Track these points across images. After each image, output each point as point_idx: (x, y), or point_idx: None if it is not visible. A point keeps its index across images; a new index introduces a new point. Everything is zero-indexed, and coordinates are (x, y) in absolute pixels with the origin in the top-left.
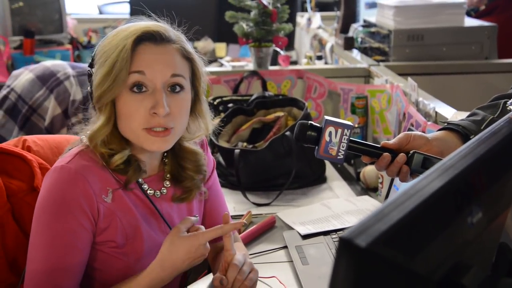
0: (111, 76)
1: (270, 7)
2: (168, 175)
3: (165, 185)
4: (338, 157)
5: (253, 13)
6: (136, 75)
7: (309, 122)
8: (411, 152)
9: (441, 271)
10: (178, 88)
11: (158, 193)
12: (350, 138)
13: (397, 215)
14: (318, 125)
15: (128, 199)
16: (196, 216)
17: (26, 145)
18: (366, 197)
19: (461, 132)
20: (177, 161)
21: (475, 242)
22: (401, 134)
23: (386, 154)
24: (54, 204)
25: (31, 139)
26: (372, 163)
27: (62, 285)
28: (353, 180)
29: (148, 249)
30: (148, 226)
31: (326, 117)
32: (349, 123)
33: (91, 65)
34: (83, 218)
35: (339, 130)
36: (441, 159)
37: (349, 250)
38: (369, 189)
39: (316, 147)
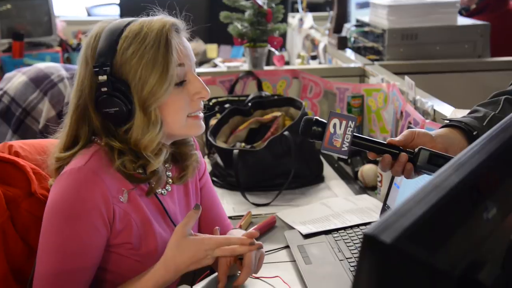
0: (168, 77)
1: (265, 7)
2: (168, 165)
3: (168, 177)
4: (343, 149)
5: (247, 13)
6: (179, 68)
7: (315, 117)
8: (417, 148)
9: (460, 266)
10: (196, 73)
11: (164, 191)
12: (356, 134)
13: (419, 211)
14: (323, 120)
15: (140, 199)
16: (198, 206)
17: (13, 151)
18: (365, 196)
19: (464, 129)
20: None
21: (491, 238)
22: (406, 131)
23: (386, 155)
24: (69, 206)
25: (17, 144)
26: (373, 162)
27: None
28: (350, 179)
29: (161, 249)
30: (158, 225)
31: (331, 111)
32: (353, 116)
33: (107, 72)
34: (98, 221)
35: (344, 122)
36: (446, 155)
37: (374, 247)
38: (368, 188)
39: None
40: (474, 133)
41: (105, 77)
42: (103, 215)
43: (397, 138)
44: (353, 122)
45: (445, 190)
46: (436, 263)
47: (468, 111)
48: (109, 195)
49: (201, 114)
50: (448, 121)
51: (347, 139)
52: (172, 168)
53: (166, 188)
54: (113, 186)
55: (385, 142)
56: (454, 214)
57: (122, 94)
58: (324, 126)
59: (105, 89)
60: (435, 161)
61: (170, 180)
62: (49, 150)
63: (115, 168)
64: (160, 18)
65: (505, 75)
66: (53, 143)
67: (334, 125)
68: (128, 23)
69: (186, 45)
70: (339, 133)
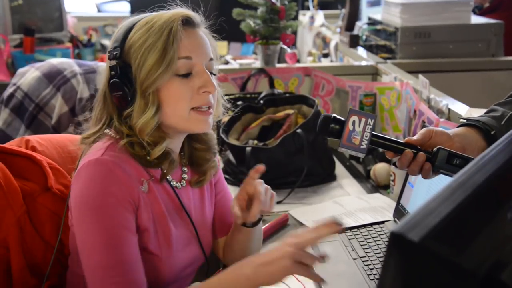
0: (164, 63)
1: (278, 4)
2: (185, 161)
3: (183, 172)
4: (361, 147)
5: (260, 10)
6: (184, 60)
7: (333, 115)
8: (435, 148)
9: (484, 266)
10: (213, 70)
11: (179, 184)
12: (375, 133)
13: (445, 210)
14: (341, 118)
15: (157, 191)
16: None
17: (30, 146)
18: (377, 195)
19: (482, 128)
20: (190, 144)
21: None
22: (423, 130)
23: (408, 151)
24: (97, 197)
25: (34, 139)
26: (385, 160)
27: (131, 273)
28: (362, 178)
29: (175, 243)
30: (172, 218)
31: (350, 108)
32: (373, 113)
33: (117, 56)
34: (127, 204)
35: (363, 120)
36: (465, 156)
37: (402, 245)
38: (380, 187)
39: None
40: (492, 132)
41: (114, 61)
42: (128, 198)
43: (415, 137)
44: (373, 120)
45: (470, 189)
46: (461, 262)
47: (483, 110)
48: (129, 182)
49: (210, 111)
50: (465, 120)
51: (366, 136)
52: (188, 169)
53: (181, 183)
54: (132, 175)
55: (403, 142)
56: (479, 213)
57: (126, 78)
58: (342, 124)
59: (113, 73)
60: (454, 161)
61: (185, 176)
62: (66, 146)
63: (129, 155)
64: (175, 10)
65: None
66: (71, 139)
67: (353, 122)
68: (147, 15)
69: (199, 40)
70: (358, 130)
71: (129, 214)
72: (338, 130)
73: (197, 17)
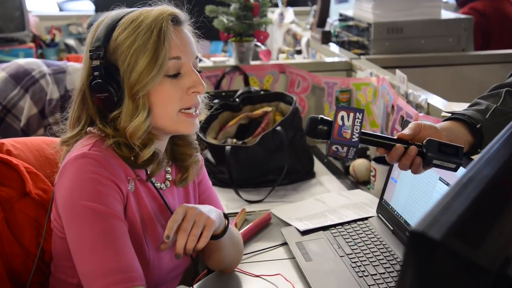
0: (156, 65)
1: (252, 0)
2: (167, 160)
3: (167, 173)
4: (353, 140)
5: (233, 7)
6: (173, 61)
7: (320, 116)
8: (425, 140)
9: (496, 263)
10: (198, 68)
11: (163, 185)
12: (364, 131)
13: (461, 206)
14: (328, 118)
15: (143, 192)
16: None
17: (5, 149)
18: (358, 191)
19: (468, 122)
20: (171, 141)
21: None
22: (412, 124)
23: (399, 145)
24: (87, 189)
25: (9, 142)
26: (364, 156)
27: (129, 264)
28: (341, 174)
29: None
30: (156, 218)
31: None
32: (361, 108)
33: (100, 56)
34: (118, 198)
35: (351, 114)
36: (454, 145)
37: (423, 244)
38: (359, 183)
39: (328, 141)
40: (478, 126)
41: (97, 62)
42: (117, 189)
43: (406, 132)
44: (361, 114)
45: (482, 184)
46: (477, 259)
47: (462, 104)
48: (117, 178)
49: (196, 112)
50: (450, 114)
51: (357, 130)
52: (172, 168)
53: (166, 183)
54: (120, 173)
55: (394, 137)
56: (491, 209)
57: (112, 80)
58: (330, 124)
59: (97, 73)
60: (446, 150)
61: (169, 176)
62: (42, 149)
63: (115, 154)
64: (160, 8)
65: (487, 69)
66: (47, 142)
67: (342, 117)
68: (129, 12)
69: (186, 38)
70: (348, 124)
71: (119, 204)
72: (326, 131)
73: (182, 15)
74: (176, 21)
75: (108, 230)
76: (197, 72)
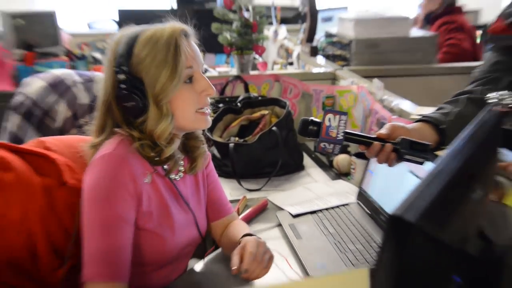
0: (176, 76)
1: (251, 19)
2: (182, 155)
3: (179, 163)
4: (338, 138)
5: (235, 25)
6: (188, 70)
7: (310, 118)
8: (398, 138)
9: (457, 240)
10: (205, 74)
11: (177, 176)
12: (348, 131)
13: (431, 193)
14: (318, 120)
15: (159, 183)
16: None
17: (45, 146)
18: (340, 181)
19: (434, 123)
20: (184, 137)
21: (476, 214)
22: (388, 125)
23: (377, 143)
24: (105, 186)
25: (48, 140)
26: (346, 152)
27: (120, 258)
28: (326, 167)
29: (177, 226)
30: (173, 205)
31: (326, 108)
32: (345, 111)
33: (125, 71)
34: (129, 196)
35: (337, 116)
36: (423, 142)
37: (400, 225)
38: (342, 174)
39: (317, 139)
40: (442, 126)
41: (123, 76)
42: (132, 192)
43: (382, 132)
44: (345, 116)
45: (449, 175)
46: (443, 238)
47: (429, 108)
48: (135, 175)
49: (208, 111)
50: (419, 117)
51: (341, 130)
52: (184, 159)
53: (179, 174)
54: (138, 169)
55: (373, 136)
56: (455, 196)
57: (138, 90)
58: (318, 125)
59: (124, 86)
60: (416, 147)
61: (182, 168)
62: (76, 146)
63: (137, 152)
64: (171, 25)
65: (450, 79)
66: (80, 140)
67: (329, 119)
68: (144, 30)
69: (194, 49)
70: (334, 125)
71: (129, 206)
72: (316, 130)
73: (189, 30)
74: (186, 35)
75: (109, 229)
76: (206, 78)
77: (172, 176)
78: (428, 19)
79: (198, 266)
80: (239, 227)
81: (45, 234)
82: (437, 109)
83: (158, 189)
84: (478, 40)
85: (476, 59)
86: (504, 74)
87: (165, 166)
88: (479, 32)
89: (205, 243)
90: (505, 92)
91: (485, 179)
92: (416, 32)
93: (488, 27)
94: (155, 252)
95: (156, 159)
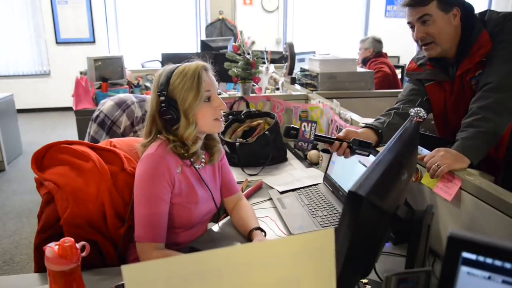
0: (199, 97)
1: (251, 59)
2: (203, 151)
3: (201, 157)
4: (310, 139)
5: (240, 63)
6: (207, 92)
7: (291, 125)
8: (351, 139)
9: (392, 208)
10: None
11: (200, 166)
12: (317, 134)
13: (375, 176)
14: (296, 126)
15: (187, 172)
16: None
17: (113, 144)
18: (312, 169)
19: (374, 129)
20: (205, 138)
21: (404, 190)
22: (344, 130)
23: (337, 142)
24: (150, 175)
25: (115, 140)
26: (315, 149)
27: (159, 225)
28: (302, 159)
29: (200, 200)
30: (197, 186)
31: (301, 119)
32: (315, 121)
33: (164, 94)
34: (167, 183)
35: (309, 124)
36: (367, 141)
37: (355, 198)
38: (313, 164)
39: (296, 139)
40: (380, 131)
41: (163, 98)
42: (168, 180)
43: (340, 134)
44: (315, 124)
45: (386, 164)
46: (383, 206)
47: (369, 119)
48: (171, 167)
49: (221, 119)
50: (365, 124)
51: (313, 133)
52: (205, 154)
53: (201, 165)
54: (172, 163)
55: (335, 137)
56: (391, 177)
57: (173, 107)
58: (297, 130)
59: (164, 105)
60: (363, 144)
61: (203, 160)
62: (133, 145)
63: (171, 151)
64: (196, 62)
65: (383, 100)
66: (135, 140)
67: (304, 126)
68: (178, 66)
69: (212, 79)
70: (308, 130)
71: (166, 189)
72: (296, 134)
73: (208, 65)
74: (206, 69)
75: (151, 203)
76: (220, 98)
77: (196, 166)
78: (364, 62)
79: (214, 228)
80: (248, 214)
81: (111, 204)
82: (376, 120)
83: (187, 176)
84: (396, 71)
85: (396, 85)
86: (417, 97)
87: (192, 159)
88: (398, 71)
89: (219, 213)
90: (420, 108)
91: (409, 166)
92: (360, 69)
93: (405, 67)
94: (184, 219)
95: (185, 154)
